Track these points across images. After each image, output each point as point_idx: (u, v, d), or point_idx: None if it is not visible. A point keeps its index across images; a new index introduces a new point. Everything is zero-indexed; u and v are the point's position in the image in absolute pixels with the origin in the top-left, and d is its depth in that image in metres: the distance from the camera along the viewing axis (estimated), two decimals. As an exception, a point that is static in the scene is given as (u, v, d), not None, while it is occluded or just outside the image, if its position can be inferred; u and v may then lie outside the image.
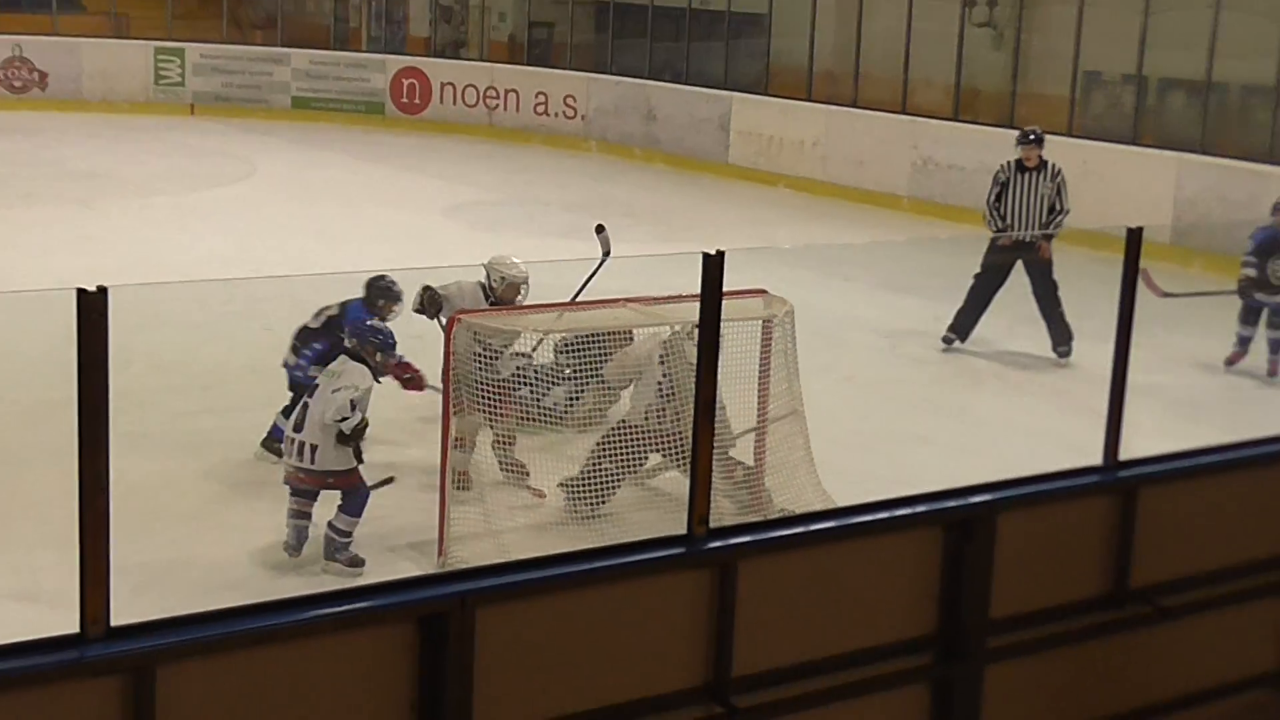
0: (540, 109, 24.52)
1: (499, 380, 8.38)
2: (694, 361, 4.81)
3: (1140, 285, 5.67)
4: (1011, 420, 11.02)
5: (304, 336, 9.01)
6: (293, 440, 7.70)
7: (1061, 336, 12.14)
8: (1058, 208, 12.36)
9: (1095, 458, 5.55)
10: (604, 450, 8.37)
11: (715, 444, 4.87)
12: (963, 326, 12.44)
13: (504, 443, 8.76)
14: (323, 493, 7.73)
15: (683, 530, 4.63)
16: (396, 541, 7.95)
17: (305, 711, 4.00)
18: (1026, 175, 12.41)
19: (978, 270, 12.38)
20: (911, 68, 20.14)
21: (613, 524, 8.16)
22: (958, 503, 5.15)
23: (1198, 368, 12.22)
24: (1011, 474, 5.42)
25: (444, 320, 8.58)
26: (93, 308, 3.59)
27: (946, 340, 12.45)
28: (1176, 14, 17.91)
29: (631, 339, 8.77)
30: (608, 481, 8.35)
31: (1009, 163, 12.56)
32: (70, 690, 3.68)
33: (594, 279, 10.29)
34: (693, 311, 4.62)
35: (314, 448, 7.60)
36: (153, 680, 3.72)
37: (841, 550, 4.92)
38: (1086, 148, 17.64)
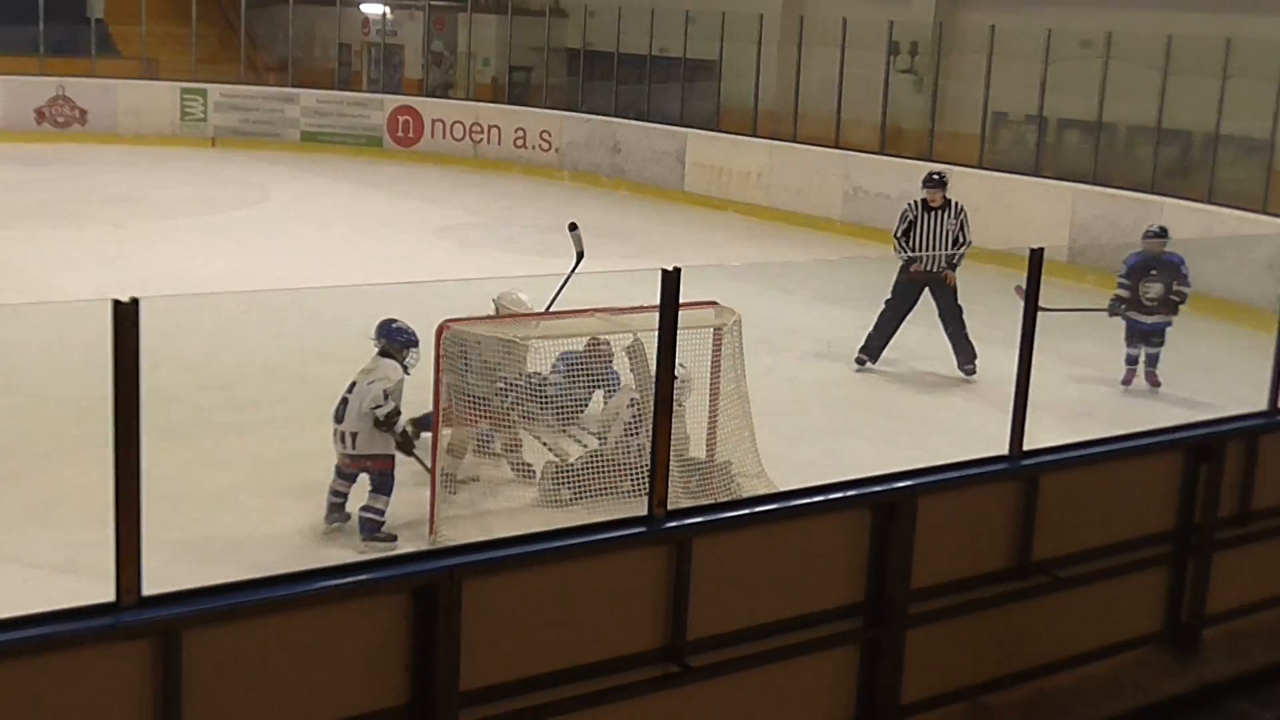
0: (519, 142, 24.50)
1: (493, 391, 8.37)
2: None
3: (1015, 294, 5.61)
4: (930, 416, 11.03)
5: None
6: (337, 430, 7.85)
7: (966, 355, 11.78)
8: (961, 240, 11.99)
9: (1002, 448, 5.57)
10: (586, 467, 8.36)
11: (673, 444, 4.86)
12: (873, 348, 11.97)
13: (511, 448, 8.76)
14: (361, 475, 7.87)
15: (644, 512, 4.64)
16: (393, 524, 7.94)
17: (313, 670, 3.99)
18: (932, 214, 12.00)
19: (888, 296, 11.99)
20: (844, 108, 20.18)
21: (583, 507, 8.17)
22: (883, 487, 5.16)
23: (1086, 373, 12.21)
24: (930, 462, 5.44)
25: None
26: (126, 316, 3.58)
27: (859, 361, 11.96)
28: (1073, 63, 18.03)
29: (611, 351, 8.75)
30: (582, 487, 8.35)
31: (915, 202, 12.12)
32: (106, 652, 3.67)
33: (569, 281, 9.87)
34: (653, 320, 4.60)
35: (354, 435, 7.78)
36: (179, 643, 3.71)
37: (782, 529, 4.93)
38: (995, 179, 17.80)
